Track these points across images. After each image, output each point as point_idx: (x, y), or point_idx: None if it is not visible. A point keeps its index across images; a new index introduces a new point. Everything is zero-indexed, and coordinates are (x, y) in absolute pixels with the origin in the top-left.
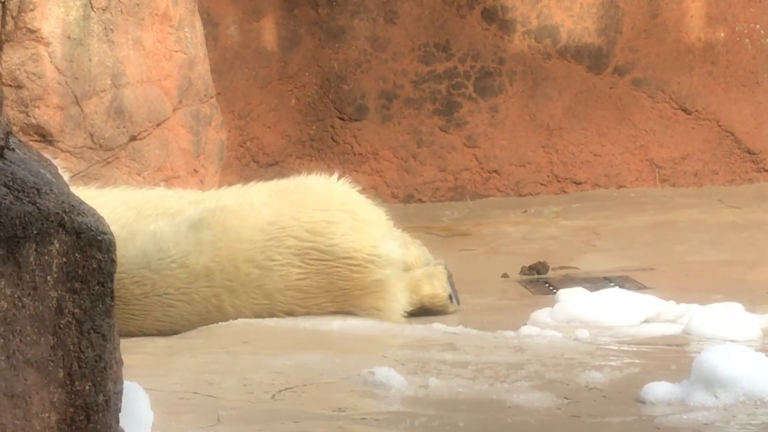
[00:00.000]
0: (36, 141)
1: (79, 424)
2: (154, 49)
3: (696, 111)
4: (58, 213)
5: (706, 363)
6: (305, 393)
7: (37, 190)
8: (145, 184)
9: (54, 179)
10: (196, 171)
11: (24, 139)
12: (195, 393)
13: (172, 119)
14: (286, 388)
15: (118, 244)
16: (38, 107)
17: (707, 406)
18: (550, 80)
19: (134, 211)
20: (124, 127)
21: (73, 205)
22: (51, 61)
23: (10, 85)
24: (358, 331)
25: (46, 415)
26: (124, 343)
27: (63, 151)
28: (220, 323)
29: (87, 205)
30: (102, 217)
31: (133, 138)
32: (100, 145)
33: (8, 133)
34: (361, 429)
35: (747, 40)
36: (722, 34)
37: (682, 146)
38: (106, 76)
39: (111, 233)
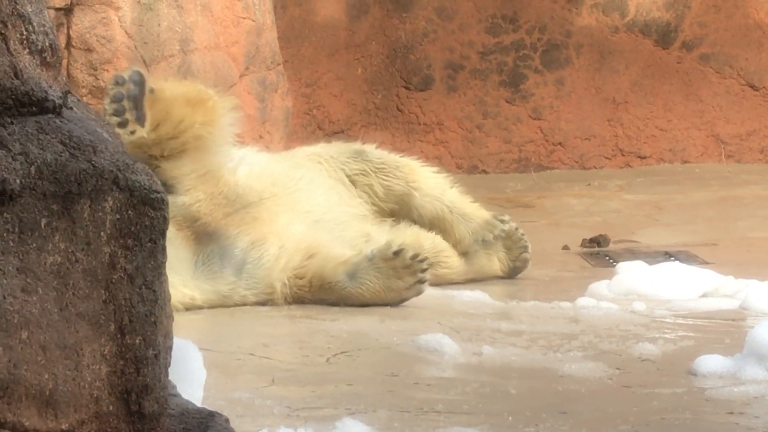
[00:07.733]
0: None
1: (128, 377)
2: (222, 16)
3: (764, 87)
4: (112, 171)
5: (759, 337)
6: (360, 357)
7: (93, 148)
8: None
9: (110, 138)
10: (261, 137)
11: (92, 102)
12: (252, 354)
13: (239, 85)
14: (341, 352)
15: None
16: (107, 71)
17: (758, 379)
18: (617, 54)
19: None
20: None
21: (127, 164)
22: (120, 26)
23: (80, 49)
24: (415, 298)
25: (97, 366)
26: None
27: None
28: None
29: (141, 164)
30: (155, 176)
31: None
32: None
33: (66, 92)
34: (412, 393)
35: None
36: None
37: (749, 122)
38: (175, 42)
39: (163, 191)
